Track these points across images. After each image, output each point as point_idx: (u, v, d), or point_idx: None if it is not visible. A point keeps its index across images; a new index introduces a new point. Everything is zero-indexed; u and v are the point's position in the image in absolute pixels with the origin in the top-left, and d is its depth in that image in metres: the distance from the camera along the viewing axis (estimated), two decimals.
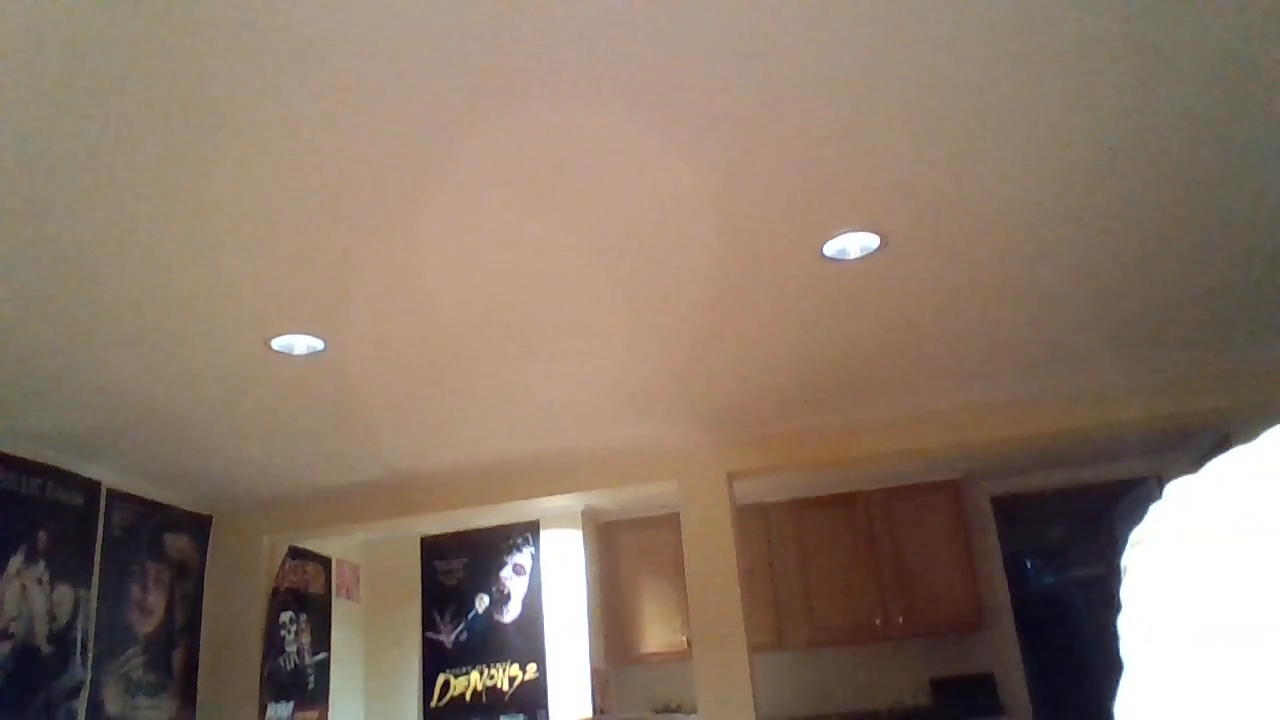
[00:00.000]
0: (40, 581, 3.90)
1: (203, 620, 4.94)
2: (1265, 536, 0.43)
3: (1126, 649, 0.48)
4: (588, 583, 5.77)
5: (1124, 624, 0.49)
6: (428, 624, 5.94)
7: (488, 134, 2.17)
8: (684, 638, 5.73)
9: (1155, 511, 0.49)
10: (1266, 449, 0.46)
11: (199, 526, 5.02)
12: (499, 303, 3.05)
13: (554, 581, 5.78)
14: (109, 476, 4.37)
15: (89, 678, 4.11)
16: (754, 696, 4.49)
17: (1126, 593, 0.49)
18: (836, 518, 6.01)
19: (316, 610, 5.58)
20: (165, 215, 2.38)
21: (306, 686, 5.37)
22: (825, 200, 2.58)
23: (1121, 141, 2.42)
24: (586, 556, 5.83)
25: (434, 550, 6.06)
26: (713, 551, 4.69)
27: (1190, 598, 0.45)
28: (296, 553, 5.44)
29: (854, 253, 2.90)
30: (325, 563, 5.76)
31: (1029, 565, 7.94)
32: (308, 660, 5.41)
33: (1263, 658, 0.41)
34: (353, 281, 2.82)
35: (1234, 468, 0.47)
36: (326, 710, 5.53)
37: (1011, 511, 6.26)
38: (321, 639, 5.58)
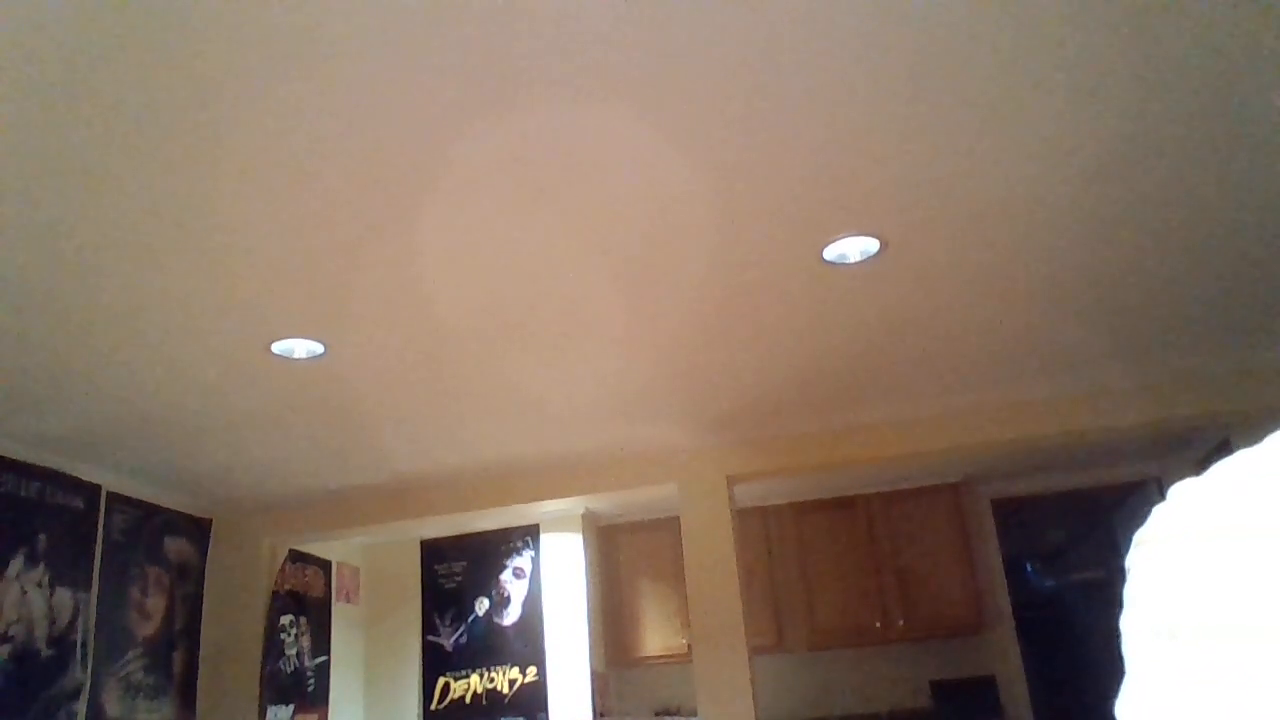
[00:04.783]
0: (40, 585, 3.90)
1: (203, 623, 4.94)
2: (1267, 535, 0.43)
3: (1128, 648, 0.48)
4: (588, 586, 5.76)
5: (1126, 623, 0.49)
6: (428, 627, 5.94)
7: (488, 136, 2.18)
8: (684, 640, 5.72)
9: (1159, 512, 0.50)
10: (1270, 451, 0.47)
11: (199, 530, 5.02)
12: (499, 305, 3.06)
13: (554, 585, 5.78)
14: (109, 479, 4.37)
15: (89, 681, 4.10)
16: (754, 699, 4.48)
17: (1129, 592, 0.49)
18: (837, 520, 6.01)
19: (316, 613, 5.58)
20: (165, 218, 2.39)
21: (307, 689, 5.36)
22: (825, 204, 2.59)
23: (1121, 145, 2.42)
24: (586, 559, 5.82)
25: (434, 553, 6.05)
26: (713, 554, 4.69)
27: (1193, 597, 0.45)
28: (296, 556, 5.44)
29: (854, 257, 2.90)
30: (325, 566, 5.76)
31: (1029, 568, 7.94)
32: (308, 663, 5.41)
33: (1266, 656, 0.41)
34: (353, 285, 2.82)
35: (1238, 469, 0.47)
36: (326, 713, 5.53)
37: (1011, 515, 6.26)
38: (321, 642, 5.58)
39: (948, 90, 2.14)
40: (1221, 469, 0.48)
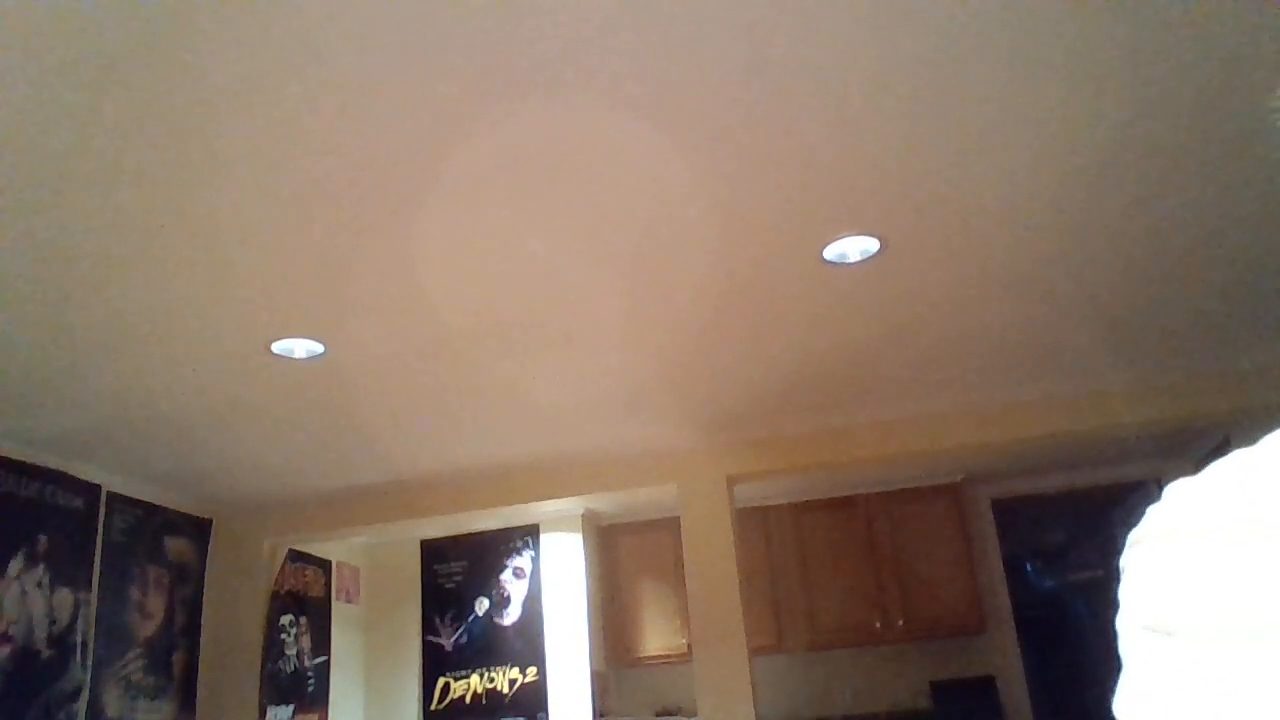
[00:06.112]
0: (40, 585, 3.90)
1: (203, 623, 4.94)
2: (1260, 535, 0.43)
3: (1124, 647, 0.48)
4: (588, 586, 5.76)
5: (1122, 622, 0.49)
6: (428, 627, 5.94)
7: (489, 137, 2.18)
8: (684, 640, 5.72)
9: (1153, 512, 0.50)
10: (1265, 452, 0.47)
11: (199, 529, 5.02)
12: (499, 305, 3.06)
13: (554, 585, 5.78)
14: (109, 479, 4.37)
15: (89, 681, 4.11)
16: (754, 699, 4.48)
17: (1125, 591, 0.49)
18: (836, 520, 6.01)
19: (316, 613, 5.58)
20: (166, 218, 2.39)
21: (307, 689, 5.36)
22: (825, 204, 2.59)
23: (1121, 145, 2.42)
24: (586, 559, 5.82)
25: (434, 553, 6.05)
26: (713, 554, 4.69)
27: (1188, 596, 0.45)
28: (296, 556, 5.44)
29: (854, 256, 2.90)
30: (325, 566, 5.76)
31: (1029, 568, 7.94)
32: (308, 663, 5.41)
33: (1258, 655, 0.41)
34: (353, 285, 2.83)
35: (1231, 469, 0.47)
36: (326, 713, 5.53)
37: (1011, 515, 6.26)
38: (321, 642, 5.58)
39: (947, 90, 2.14)
40: (1217, 468, 0.48)
